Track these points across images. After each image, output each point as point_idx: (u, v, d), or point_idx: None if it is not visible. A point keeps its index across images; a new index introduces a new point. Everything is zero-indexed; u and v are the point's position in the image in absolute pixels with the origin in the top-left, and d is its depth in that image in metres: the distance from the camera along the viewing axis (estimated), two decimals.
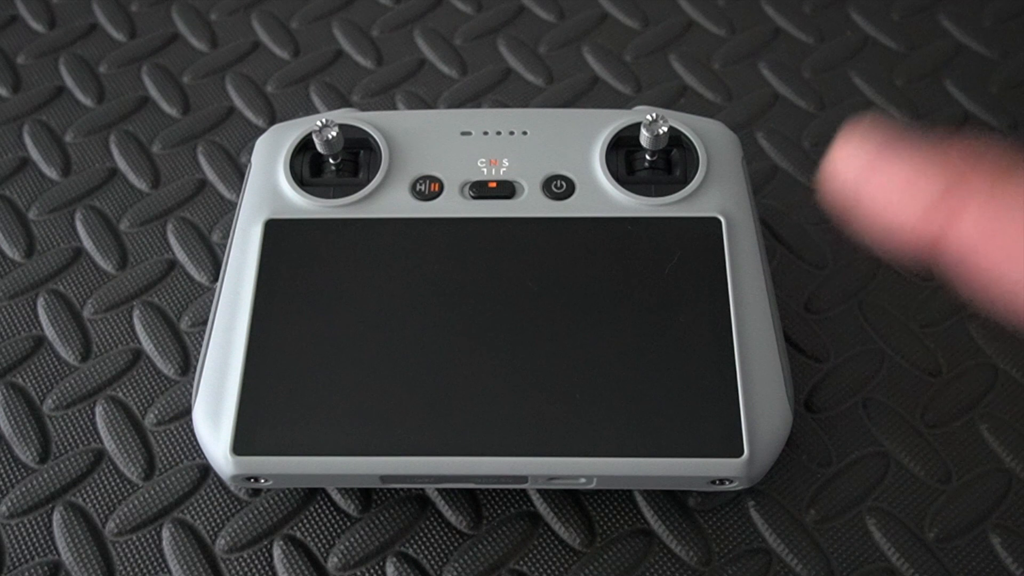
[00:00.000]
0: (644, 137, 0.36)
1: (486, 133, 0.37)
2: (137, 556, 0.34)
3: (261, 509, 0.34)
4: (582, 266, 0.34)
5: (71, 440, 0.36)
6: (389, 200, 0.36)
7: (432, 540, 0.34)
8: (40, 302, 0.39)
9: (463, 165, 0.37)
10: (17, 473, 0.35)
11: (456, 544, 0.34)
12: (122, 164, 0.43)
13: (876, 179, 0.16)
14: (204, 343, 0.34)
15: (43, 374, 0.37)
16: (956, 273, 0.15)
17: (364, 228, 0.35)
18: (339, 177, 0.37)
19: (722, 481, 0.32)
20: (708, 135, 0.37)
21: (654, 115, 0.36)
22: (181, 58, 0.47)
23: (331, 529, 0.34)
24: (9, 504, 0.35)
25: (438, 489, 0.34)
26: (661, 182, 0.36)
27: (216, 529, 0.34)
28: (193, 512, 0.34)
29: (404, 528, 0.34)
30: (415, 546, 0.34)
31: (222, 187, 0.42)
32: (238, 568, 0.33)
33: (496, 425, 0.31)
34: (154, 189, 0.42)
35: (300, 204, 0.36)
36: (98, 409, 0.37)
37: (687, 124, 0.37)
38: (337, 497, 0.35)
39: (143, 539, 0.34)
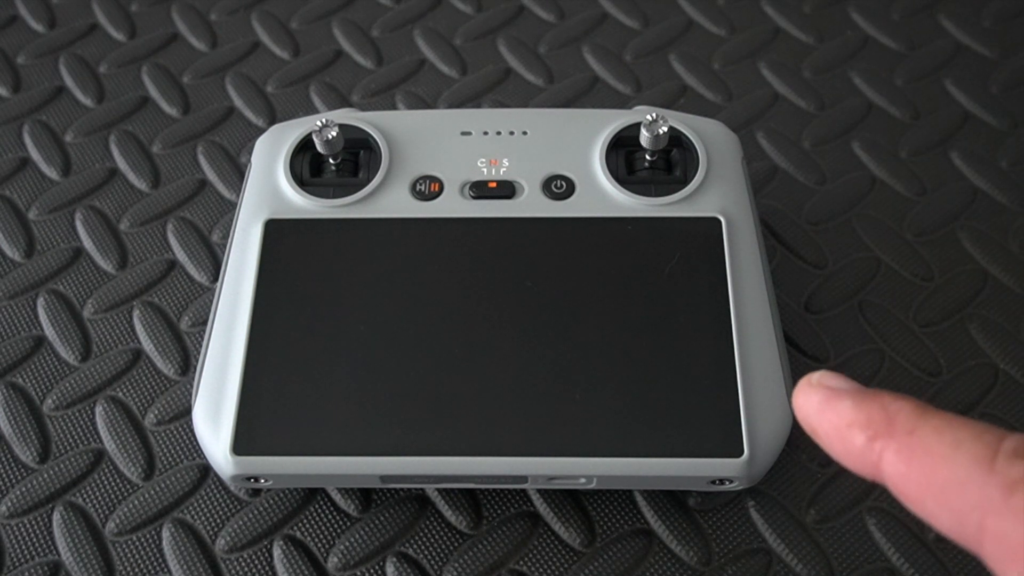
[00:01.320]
0: (644, 137, 0.36)
1: (486, 133, 0.37)
2: (137, 556, 0.34)
3: (261, 509, 0.34)
4: (582, 266, 0.34)
5: (71, 440, 0.36)
6: (389, 200, 0.36)
7: (432, 540, 0.34)
8: (40, 302, 0.39)
9: (463, 165, 0.37)
10: (17, 473, 0.35)
11: (456, 544, 0.34)
12: (122, 164, 0.43)
13: (824, 420, 0.21)
14: (204, 343, 0.34)
15: (43, 374, 0.37)
16: (896, 495, 0.20)
17: (364, 228, 0.35)
18: (339, 177, 0.37)
19: (722, 481, 0.32)
20: (708, 135, 0.37)
21: (654, 115, 0.36)
22: (181, 58, 0.47)
23: (331, 529, 0.34)
24: (9, 504, 0.35)
25: (438, 489, 0.34)
26: (661, 182, 0.36)
27: (216, 529, 0.34)
28: (193, 512, 0.34)
29: (404, 528, 0.34)
30: (415, 546, 0.34)
31: (222, 187, 0.42)
32: (238, 568, 0.33)
33: (496, 425, 0.31)
34: (154, 189, 0.42)
35: (300, 204, 0.36)
36: (98, 409, 0.37)
37: (687, 124, 0.37)
38: (337, 497, 0.35)
39: (143, 539, 0.34)
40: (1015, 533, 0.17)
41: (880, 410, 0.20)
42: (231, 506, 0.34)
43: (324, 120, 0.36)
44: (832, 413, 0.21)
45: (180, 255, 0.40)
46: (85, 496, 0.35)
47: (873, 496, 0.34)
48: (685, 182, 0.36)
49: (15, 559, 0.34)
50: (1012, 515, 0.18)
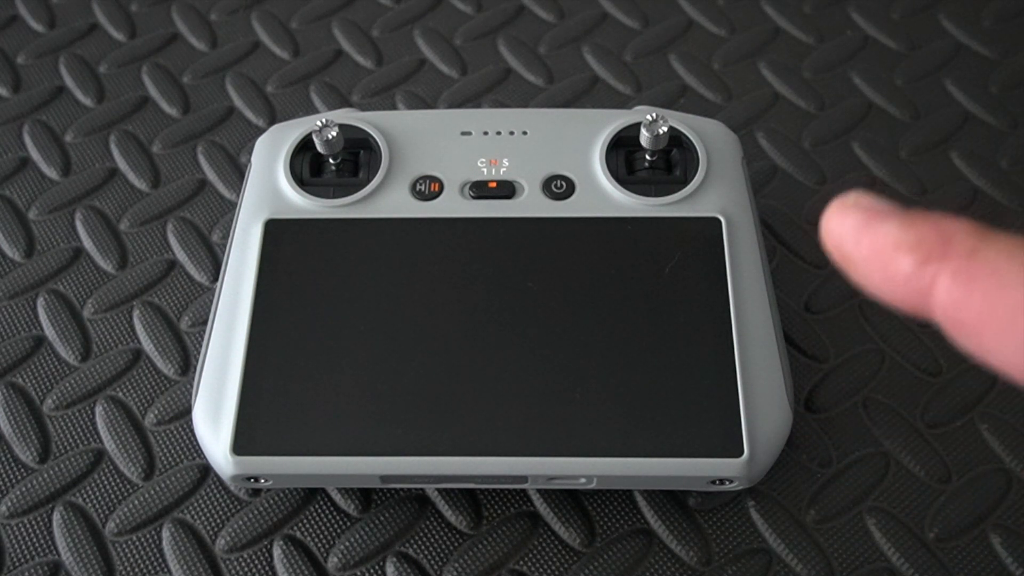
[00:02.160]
0: (644, 137, 0.36)
1: (486, 133, 0.37)
2: (137, 556, 0.34)
3: (261, 509, 0.34)
4: (582, 266, 0.34)
5: (71, 440, 0.36)
6: (389, 200, 0.36)
7: (432, 540, 0.34)
8: (40, 302, 0.39)
9: (463, 165, 0.37)
10: (17, 473, 0.35)
11: (456, 544, 0.34)
12: (122, 164, 0.43)
13: (864, 243, 0.18)
14: (204, 343, 0.34)
15: (43, 374, 0.37)
16: (947, 330, 0.17)
17: (364, 228, 0.35)
18: (339, 177, 0.37)
19: (722, 481, 0.32)
20: (708, 135, 0.37)
21: (654, 115, 0.36)
22: (181, 58, 0.47)
23: (331, 529, 0.34)
24: (9, 504, 0.35)
25: (438, 489, 0.34)
26: (661, 182, 0.36)
27: (216, 529, 0.34)
28: (193, 512, 0.34)
29: (404, 528, 0.34)
30: (415, 546, 0.34)
31: (222, 187, 0.42)
32: (238, 568, 0.33)
33: (496, 425, 0.31)
34: (154, 189, 0.42)
35: (300, 204, 0.36)
36: (98, 409, 0.37)
37: (687, 124, 0.37)
38: (337, 497, 0.35)
39: (143, 539, 0.34)
40: None
41: (933, 229, 0.17)
42: (231, 506, 0.34)
43: (324, 120, 0.36)
44: (874, 234, 0.18)
45: (180, 255, 0.40)
46: (85, 496, 0.35)
47: (873, 496, 0.34)
48: (685, 182, 0.36)
49: (15, 559, 0.34)
50: None
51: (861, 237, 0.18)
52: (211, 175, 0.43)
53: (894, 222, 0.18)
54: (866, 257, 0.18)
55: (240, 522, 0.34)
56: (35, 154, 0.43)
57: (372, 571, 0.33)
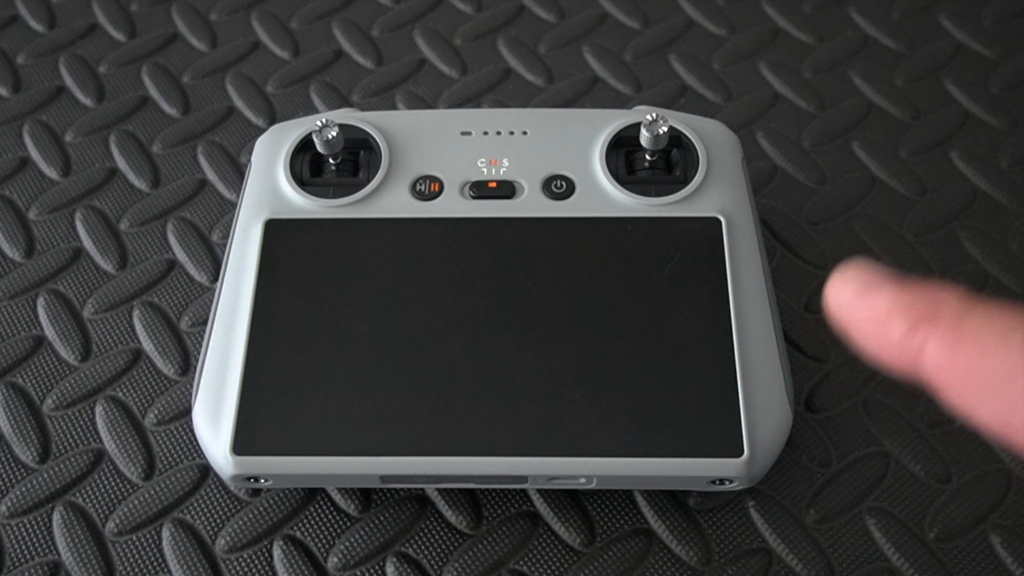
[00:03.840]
0: (644, 137, 0.36)
1: (486, 133, 0.37)
2: (137, 556, 0.34)
3: (261, 509, 0.34)
4: (582, 266, 0.34)
5: (71, 440, 0.36)
6: (389, 200, 0.36)
7: (432, 540, 0.34)
8: (40, 302, 0.39)
9: (463, 165, 0.37)
10: (17, 473, 0.35)
11: (456, 544, 0.34)
12: (122, 164, 0.43)
13: (861, 311, 0.19)
14: (204, 343, 0.34)
15: (43, 374, 0.37)
16: (935, 390, 0.18)
17: (364, 228, 0.35)
18: (339, 177, 0.37)
19: (722, 481, 0.32)
20: (708, 135, 0.37)
21: (654, 115, 0.36)
22: (181, 58, 0.47)
23: (331, 529, 0.34)
24: (9, 504, 0.35)
25: (438, 489, 0.34)
26: (661, 182, 0.36)
27: (216, 529, 0.34)
28: (193, 512, 0.34)
29: (404, 528, 0.34)
30: (415, 546, 0.34)
31: (222, 187, 0.42)
32: (238, 568, 0.33)
33: (496, 425, 0.31)
34: (154, 189, 0.42)
35: (300, 204, 0.36)
36: (98, 409, 0.37)
37: (687, 124, 0.37)
38: (337, 497, 0.35)
39: (143, 539, 0.34)
40: None
41: (924, 297, 0.18)
42: (231, 506, 0.34)
43: (324, 120, 0.36)
44: (870, 303, 0.19)
45: (180, 255, 0.40)
46: (85, 496, 0.35)
47: (873, 496, 0.34)
48: (685, 182, 0.36)
49: (15, 559, 0.34)
50: None
51: (858, 305, 0.19)
52: (211, 175, 0.43)
53: (888, 290, 0.19)
54: (863, 324, 0.19)
55: (240, 522, 0.34)
56: (35, 154, 0.43)
57: (372, 571, 0.33)
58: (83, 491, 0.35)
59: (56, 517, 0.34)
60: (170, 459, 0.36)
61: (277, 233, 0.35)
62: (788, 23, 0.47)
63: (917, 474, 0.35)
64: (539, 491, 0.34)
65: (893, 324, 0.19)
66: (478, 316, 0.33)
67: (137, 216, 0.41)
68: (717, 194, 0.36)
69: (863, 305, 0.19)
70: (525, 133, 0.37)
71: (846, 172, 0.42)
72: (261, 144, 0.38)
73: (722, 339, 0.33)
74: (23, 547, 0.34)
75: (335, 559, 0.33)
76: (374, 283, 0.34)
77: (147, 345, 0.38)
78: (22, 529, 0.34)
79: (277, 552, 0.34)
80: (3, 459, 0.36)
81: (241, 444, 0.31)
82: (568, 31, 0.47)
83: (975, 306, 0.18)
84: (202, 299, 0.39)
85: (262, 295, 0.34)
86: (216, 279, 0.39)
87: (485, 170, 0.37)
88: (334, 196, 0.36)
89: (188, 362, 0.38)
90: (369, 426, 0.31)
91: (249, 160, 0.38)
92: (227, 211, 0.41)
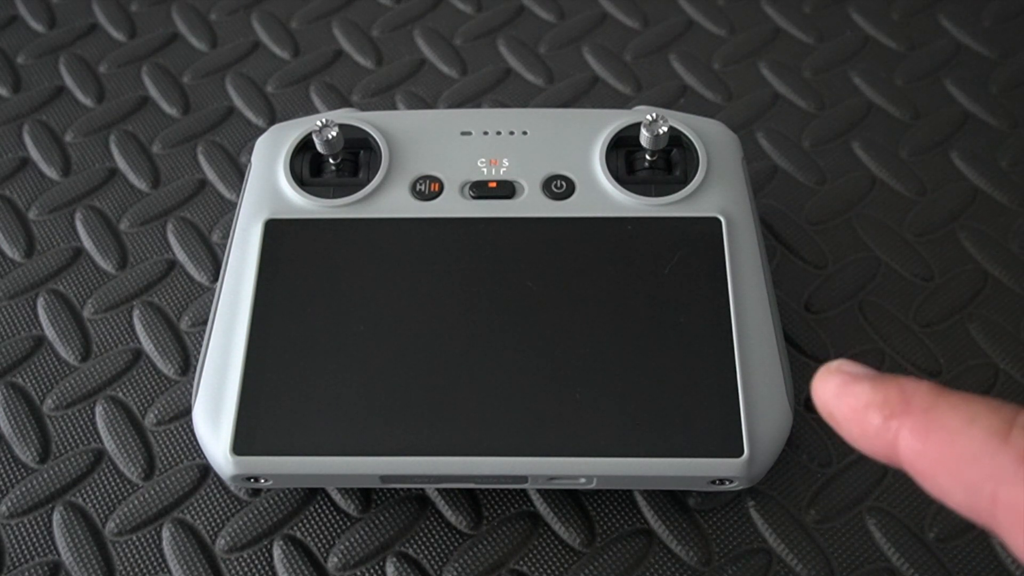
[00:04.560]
0: (644, 137, 0.36)
1: (486, 133, 0.37)
2: (137, 556, 0.34)
3: (261, 509, 0.34)
4: (582, 266, 0.34)
5: (71, 440, 0.36)
6: (389, 200, 0.36)
7: (432, 540, 0.34)
8: (40, 302, 0.39)
9: (463, 165, 0.37)
10: (17, 473, 0.35)
11: (456, 544, 0.34)
12: (122, 164, 0.43)
13: (843, 403, 0.21)
14: (204, 343, 0.34)
15: (43, 374, 0.37)
16: (911, 475, 0.20)
17: (364, 228, 0.35)
18: (339, 177, 0.37)
19: (722, 481, 0.32)
20: (708, 135, 0.37)
21: (654, 115, 0.36)
22: (181, 58, 0.47)
23: (331, 529, 0.34)
24: (9, 504, 0.35)
25: (438, 489, 0.34)
26: (661, 182, 0.36)
27: (216, 529, 0.34)
28: (193, 512, 0.34)
29: (404, 528, 0.34)
30: (415, 546, 0.34)
31: (222, 187, 0.42)
32: (238, 568, 0.33)
33: (496, 425, 0.31)
34: (154, 189, 0.42)
35: (300, 204, 0.36)
36: (98, 409, 0.37)
37: (687, 124, 0.37)
38: (337, 497, 0.35)
39: (143, 539, 0.34)
40: None
41: (897, 390, 0.20)
42: (231, 506, 0.34)
43: (324, 120, 0.36)
44: (850, 396, 0.21)
45: (180, 255, 0.40)
46: (85, 496, 0.35)
47: (873, 496, 0.34)
48: (685, 182, 0.36)
49: (15, 559, 0.34)
50: None
51: (840, 398, 0.21)
52: (211, 175, 0.43)
53: (866, 384, 0.21)
54: (845, 415, 0.21)
55: (240, 522, 0.34)
56: (35, 154, 0.43)
57: (372, 571, 0.33)
58: (83, 491, 0.35)
59: (56, 517, 0.34)
60: (170, 459, 0.36)
61: (277, 233, 0.35)
62: (788, 23, 0.47)
63: None
64: (539, 491, 0.34)
65: (871, 416, 0.20)
66: (478, 316, 0.33)
67: (137, 216, 0.41)
68: (717, 194, 0.36)
69: (844, 399, 0.21)
70: (525, 133, 0.37)
71: (846, 172, 0.42)
72: (261, 144, 0.38)
73: (722, 339, 0.33)
74: (23, 547, 0.34)
75: (335, 559, 0.33)
76: (374, 283, 0.34)
77: (147, 345, 0.38)
78: (22, 529, 0.34)
79: (277, 552, 0.34)
80: (3, 459, 0.36)
81: (241, 444, 0.31)
82: (568, 31, 0.47)
83: (942, 397, 0.20)
84: (202, 299, 0.39)
85: (262, 295, 0.34)
86: (216, 279, 0.39)
87: (485, 170, 0.37)
88: (334, 196, 0.36)
89: (188, 362, 0.38)
90: (369, 426, 0.31)
91: (249, 160, 0.38)
92: (227, 211, 0.41)
